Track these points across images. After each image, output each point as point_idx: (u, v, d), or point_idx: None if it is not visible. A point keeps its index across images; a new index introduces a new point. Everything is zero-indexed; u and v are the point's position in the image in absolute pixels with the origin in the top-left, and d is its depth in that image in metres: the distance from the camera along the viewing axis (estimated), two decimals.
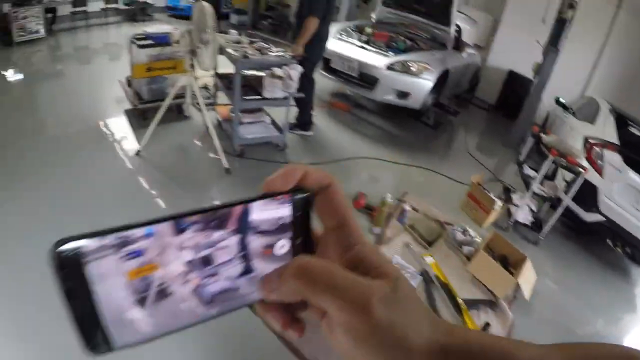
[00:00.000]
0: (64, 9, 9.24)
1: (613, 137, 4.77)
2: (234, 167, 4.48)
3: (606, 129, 4.97)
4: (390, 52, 6.45)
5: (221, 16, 9.57)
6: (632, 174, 4.24)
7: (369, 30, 7.12)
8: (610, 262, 4.54)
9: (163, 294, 0.34)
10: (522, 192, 4.78)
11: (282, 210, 0.39)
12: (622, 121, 5.19)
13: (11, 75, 6.63)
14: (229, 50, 4.64)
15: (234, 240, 0.37)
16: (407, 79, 6.10)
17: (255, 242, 0.38)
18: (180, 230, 0.33)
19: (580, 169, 4.17)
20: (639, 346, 0.38)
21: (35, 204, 3.48)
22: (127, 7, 10.85)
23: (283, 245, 0.40)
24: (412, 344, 0.34)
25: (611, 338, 3.70)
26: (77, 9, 9.57)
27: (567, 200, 4.34)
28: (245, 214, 0.37)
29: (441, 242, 3.85)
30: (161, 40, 5.10)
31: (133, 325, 0.33)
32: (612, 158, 4.41)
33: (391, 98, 6.22)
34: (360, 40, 6.79)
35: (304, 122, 5.55)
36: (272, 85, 4.56)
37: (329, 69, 6.59)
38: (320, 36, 5.08)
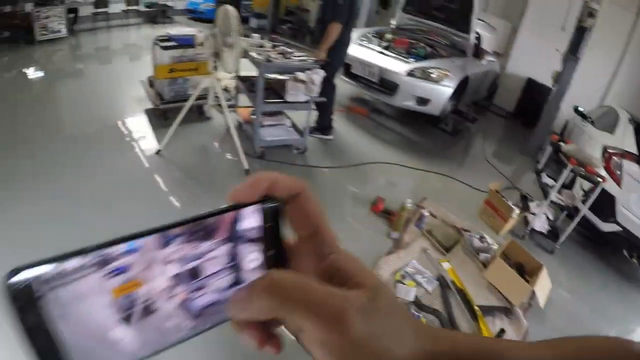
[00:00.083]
0: (86, 10, 9.45)
1: (632, 147, 4.75)
2: (254, 169, 4.52)
3: (625, 138, 4.94)
4: (410, 59, 6.48)
5: (241, 20, 9.69)
6: None
7: (389, 36, 7.16)
8: (626, 273, 4.49)
9: (135, 317, 0.32)
10: (539, 201, 4.77)
11: (251, 222, 0.37)
12: None
13: (32, 73, 6.76)
14: (253, 53, 4.70)
15: (199, 257, 0.35)
16: (427, 86, 6.11)
17: (222, 258, 0.36)
18: (130, 251, 0.31)
19: (599, 179, 4.14)
20: None
21: (55, 201, 3.55)
22: (147, 10, 11.04)
23: (254, 259, 0.38)
24: (395, 356, 0.33)
25: None
26: (99, 10, 9.78)
27: (584, 210, 4.31)
28: (210, 228, 0.35)
29: (458, 248, 3.88)
30: (185, 42, 5.18)
31: (115, 349, 0.31)
32: (631, 168, 4.39)
33: (411, 104, 6.25)
34: (380, 46, 6.83)
35: (324, 126, 5.60)
36: (294, 89, 4.61)
37: (349, 74, 6.64)
38: (343, 41, 5.13)
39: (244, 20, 10.89)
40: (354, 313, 0.32)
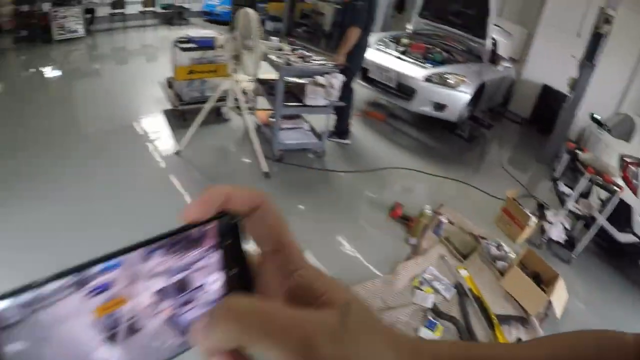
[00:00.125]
0: (103, 10, 9.56)
1: None
2: (273, 172, 4.57)
3: None
4: (427, 64, 6.48)
5: None
6: None
7: (405, 41, 7.17)
8: None
9: (120, 335, 0.31)
10: (556, 209, 4.75)
11: (207, 241, 0.35)
12: None
13: (49, 72, 6.86)
14: (272, 56, 4.74)
15: (154, 283, 0.33)
16: (444, 91, 6.12)
17: (181, 283, 0.34)
18: (82, 283, 0.29)
19: (616, 188, 4.12)
20: None
21: (73, 200, 3.62)
22: (164, 11, 11.09)
23: (215, 280, 0.36)
24: None
25: None
26: (116, 10, 9.87)
27: (601, 220, 4.27)
28: (156, 252, 0.33)
29: (475, 255, 3.89)
30: (205, 44, 5.23)
31: None
32: None
33: (428, 109, 6.26)
34: (397, 51, 6.84)
35: (341, 130, 5.62)
36: (314, 93, 4.64)
37: (366, 78, 6.65)
38: (361, 46, 5.16)
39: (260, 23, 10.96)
40: (322, 338, 0.29)
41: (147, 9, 10.55)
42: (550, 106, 7.85)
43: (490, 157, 7.00)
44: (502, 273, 3.70)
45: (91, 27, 9.11)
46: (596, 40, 6.07)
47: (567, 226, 4.59)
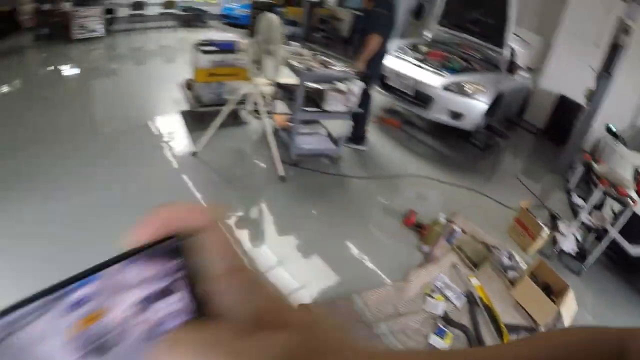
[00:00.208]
0: (123, 11, 9.75)
1: None
2: (289, 175, 4.64)
3: None
4: (445, 72, 6.49)
5: None
6: None
7: (424, 48, 7.22)
8: None
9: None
10: (568, 220, 4.76)
11: (153, 267, 0.32)
12: None
13: (68, 70, 7.02)
14: (293, 62, 4.80)
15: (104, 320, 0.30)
16: (462, 100, 6.15)
17: (133, 312, 0.32)
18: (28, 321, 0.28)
19: (630, 201, 4.11)
20: None
21: (89, 198, 3.70)
22: (183, 13, 11.22)
23: (165, 307, 0.33)
24: None
25: None
26: (136, 11, 10.03)
27: (614, 232, 4.26)
28: (112, 282, 0.31)
29: (487, 264, 3.92)
30: (225, 47, 5.32)
31: None
32: None
33: (444, 118, 6.29)
34: (415, 58, 6.87)
35: (358, 136, 5.66)
36: (333, 99, 4.70)
37: (384, 85, 6.70)
38: (381, 53, 5.21)
39: None
40: None
41: (166, 10, 10.72)
42: (566, 117, 7.79)
43: (504, 167, 7.02)
44: (512, 283, 3.74)
45: (111, 27, 9.30)
46: (614, 51, 6.04)
47: (579, 238, 4.60)
